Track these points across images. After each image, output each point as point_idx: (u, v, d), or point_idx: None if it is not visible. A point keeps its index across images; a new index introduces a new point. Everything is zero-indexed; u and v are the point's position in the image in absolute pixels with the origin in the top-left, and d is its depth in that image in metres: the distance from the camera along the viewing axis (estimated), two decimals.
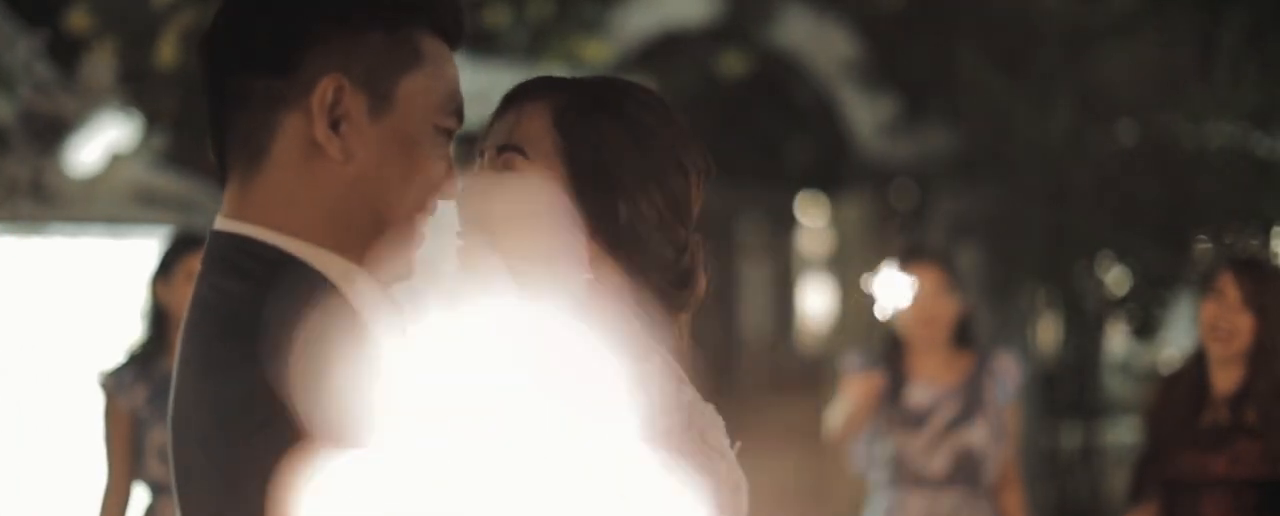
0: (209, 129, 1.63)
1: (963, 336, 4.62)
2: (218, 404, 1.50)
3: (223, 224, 1.60)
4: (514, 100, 1.75)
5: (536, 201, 1.69)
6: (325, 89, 1.54)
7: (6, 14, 6.62)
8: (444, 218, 1.72)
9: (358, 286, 1.58)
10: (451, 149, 1.67)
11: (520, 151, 1.70)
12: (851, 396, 4.52)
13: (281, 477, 1.44)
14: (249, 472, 1.46)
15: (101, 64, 6.76)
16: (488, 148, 1.75)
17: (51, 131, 6.57)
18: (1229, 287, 3.90)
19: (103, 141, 6.71)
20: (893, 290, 4.50)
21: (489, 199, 1.70)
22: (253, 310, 1.52)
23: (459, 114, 1.63)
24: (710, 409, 1.69)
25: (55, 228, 6.51)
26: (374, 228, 1.59)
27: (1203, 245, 7.70)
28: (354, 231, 1.58)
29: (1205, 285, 4.07)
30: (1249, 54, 7.36)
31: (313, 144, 1.56)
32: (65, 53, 6.87)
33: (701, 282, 1.77)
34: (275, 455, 1.44)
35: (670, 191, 1.73)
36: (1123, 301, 8.10)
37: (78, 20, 7.02)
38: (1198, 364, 4.02)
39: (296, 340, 1.49)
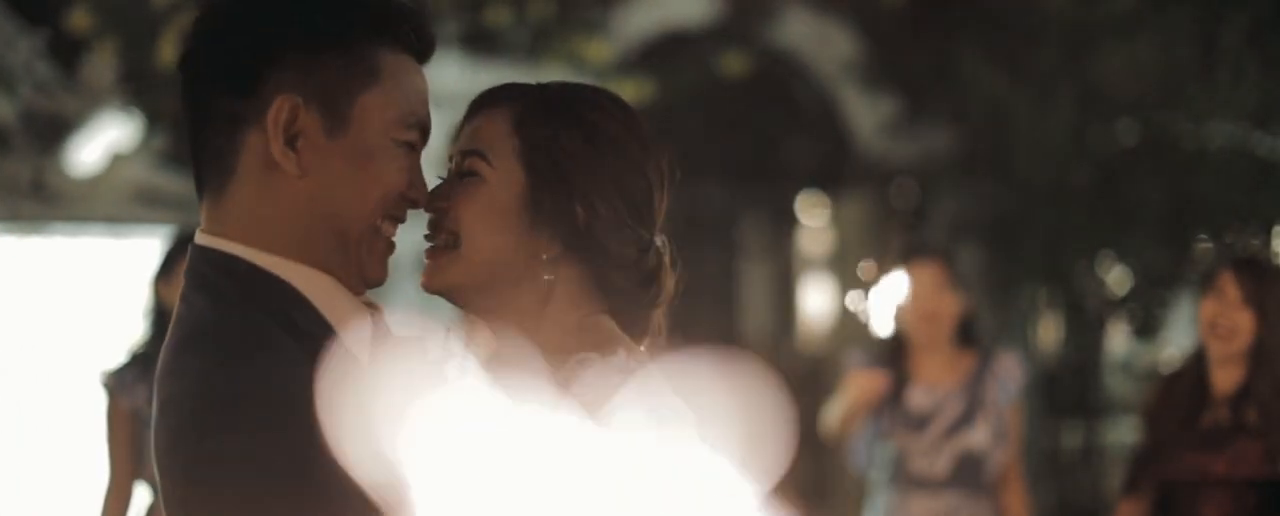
0: (189, 145, 1.71)
1: (965, 335, 4.61)
2: (177, 410, 1.56)
3: (197, 238, 1.69)
4: (478, 107, 1.81)
5: (496, 205, 1.74)
6: (279, 108, 1.62)
7: (7, 14, 6.62)
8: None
9: (324, 292, 1.66)
10: (418, 158, 1.73)
11: (482, 157, 1.76)
12: (851, 393, 4.51)
13: (228, 482, 1.49)
14: (200, 477, 1.52)
15: (102, 64, 6.76)
16: (454, 153, 1.80)
17: (52, 131, 6.58)
18: (1229, 286, 3.89)
19: (104, 141, 6.72)
20: (890, 298, 4.48)
21: (453, 204, 1.75)
22: (212, 320, 1.61)
23: (421, 127, 1.70)
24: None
25: (56, 227, 6.52)
26: (336, 238, 1.66)
27: (1203, 245, 7.70)
28: (317, 242, 1.66)
29: (1205, 284, 4.07)
30: (1249, 53, 7.36)
31: (272, 160, 1.64)
32: (66, 52, 6.88)
33: (669, 281, 1.82)
34: (224, 460, 1.50)
35: (629, 194, 1.78)
36: (1124, 301, 8.09)
37: (79, 20, 7.01)
38: (1198, 363, 4.01)
39: (250, 346, 1.56)
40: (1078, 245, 7.95)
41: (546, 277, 1.75)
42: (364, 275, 1.69)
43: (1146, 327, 7.95)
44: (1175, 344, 8.05)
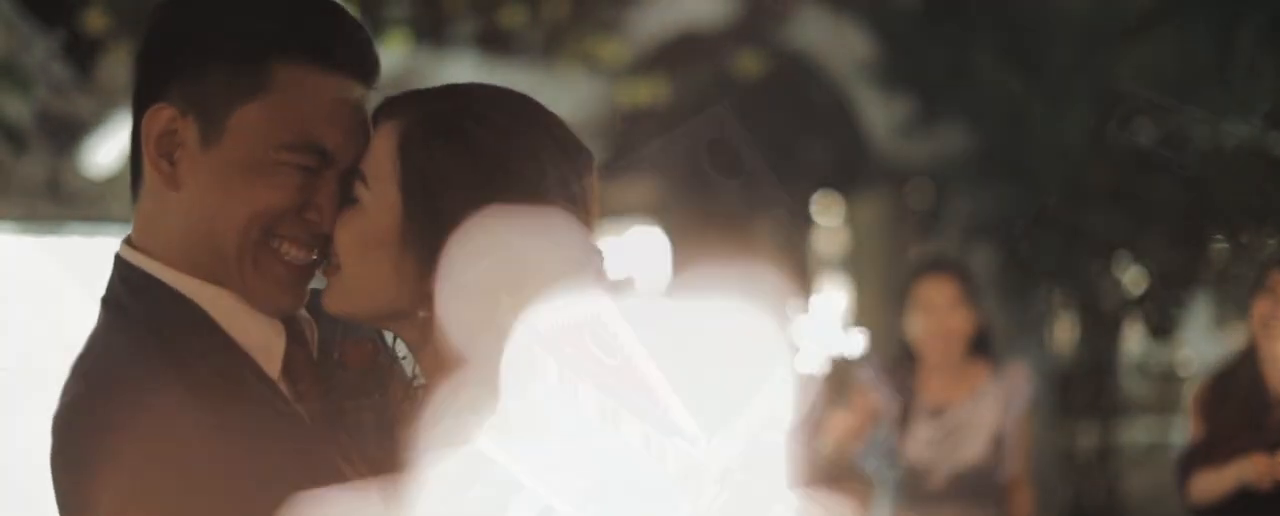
0: None
1: (979, 346, 4.58)
2: (52, 431, 1.65)
3: (118, 248, 1.68)
4: (374, 120, 1.66)
5: (369, 234, 1.61)
6: (154, 117, 1.59)
7: (24, 15, 6.64)
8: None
9: (229, 311, 1.61)
10: (325, 179, 1.62)
11: (363, 180, 1.62)
12: (835, 435, 4.48)
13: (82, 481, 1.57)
14: (61, 504, 1.65)
15: (118, 64, 6.78)
16: None
17: (68, 132, 6.60)
18: None
19: (119, 141, 6.73)
20: (815, 342, 4.46)
21: (337, 231, 1.63)
22: (102, 341, 1.63)
23: (316, 148, 1.60)
24: None
25: (72, 227, 6.53)
26: (215, 256, 1.60)
27: (1219, 245, 7.68)
28: (201, 258, 1.61)
29: (1255, 283, 4.02)
30: (1265, 53, 7.34)
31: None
32: (82, 53, 6.89)
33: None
34: (74, 492, 1.61)
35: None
36: (1139, 301, 8.08)
37: (94, 21, 7.03)
38: (1249, 362, 3.96)
39: (124, 378, 1.57)
40: (1094, 245, 7.94)
41: (421, 313, 1.59)
42: (251, 298, 1.61)
43: (1162, 328, 7.94)
44: (1191, 344, 8.03)
